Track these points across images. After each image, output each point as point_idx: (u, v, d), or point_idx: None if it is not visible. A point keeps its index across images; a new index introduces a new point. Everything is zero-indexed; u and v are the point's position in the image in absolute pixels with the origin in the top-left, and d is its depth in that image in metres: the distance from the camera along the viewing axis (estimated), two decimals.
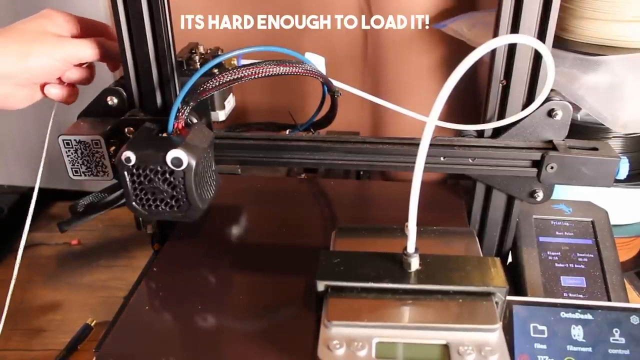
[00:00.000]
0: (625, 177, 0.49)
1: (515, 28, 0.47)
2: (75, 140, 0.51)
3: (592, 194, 0.60)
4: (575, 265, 0.52)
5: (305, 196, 0.64)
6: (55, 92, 0.52)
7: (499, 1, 0.46)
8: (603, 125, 0.57)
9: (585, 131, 0.63)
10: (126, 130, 0.51)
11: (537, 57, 0.47)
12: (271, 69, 0.48)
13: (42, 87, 0.53)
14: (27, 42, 0.49)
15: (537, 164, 0.50)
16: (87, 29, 0.54)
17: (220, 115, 0.60)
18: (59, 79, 0.53)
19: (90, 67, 0.55)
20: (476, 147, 0.51)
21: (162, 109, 0.53)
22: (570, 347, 0.44)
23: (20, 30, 0.49)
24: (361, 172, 0.71)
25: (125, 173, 0.46)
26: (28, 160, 0.93)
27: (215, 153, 0.52)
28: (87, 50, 0.51)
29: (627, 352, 0.44)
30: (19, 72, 0.49)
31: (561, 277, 0.52)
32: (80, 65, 0.53)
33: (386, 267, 0.41)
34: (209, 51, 0.62)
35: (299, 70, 0.50)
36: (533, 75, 0.49)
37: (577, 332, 0.45)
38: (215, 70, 0.52)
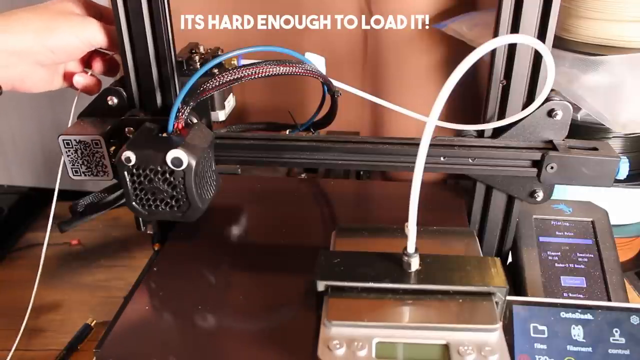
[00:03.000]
0: (625, 177, 0.49)
1: (515, 28, 0.47)
2: (75, 140, 0.51)
3: (592, 194, 0.60)
4: (575, 265, 0.52)
5: (305, 196, 0.64)
6: (81, 80, 0.53)
7: (499, 1, 0.46)
8: (603, 125, 0.57)
9: (585, 131, 0.63)
10: (126, 130, 0.51)
11: (537, 57, 0.47)
12: (271, 69, 0.48)
13: (65, 76, 0.53)
14: (52, 18, 0.49)
15: (537, 164, 0.50)
16: (102, 14, 0.54)
17: (220, 115, 0.60)
18: (84, 70, 0.53)
19: (113, 58, 0.55)
20: (476, 147, 0.51)
21: (162, 109, 0.53)
22: (570, 347, 0.44)
23: (45, 7, 0.50)
24: (361, 172, 0.71)
25: (125, 173, 0.46)
26: (28, 160, 0.93)
27: (215, 153, 0.51)
28: (106, 38, 0.51)
29: (627, 352, 0.44)
30: (39, 48, 0.48)
31: (561, 277, 0.52)
32: (104, 56, 0.54)
33: (386, 267, 0.41)
34: (209, 51, 0.62)
35: (299, 70, 0.50)
36: (533, 75, 0.48)
37: (577, 332, 0.45)
38: (215, 70, 0.52)
